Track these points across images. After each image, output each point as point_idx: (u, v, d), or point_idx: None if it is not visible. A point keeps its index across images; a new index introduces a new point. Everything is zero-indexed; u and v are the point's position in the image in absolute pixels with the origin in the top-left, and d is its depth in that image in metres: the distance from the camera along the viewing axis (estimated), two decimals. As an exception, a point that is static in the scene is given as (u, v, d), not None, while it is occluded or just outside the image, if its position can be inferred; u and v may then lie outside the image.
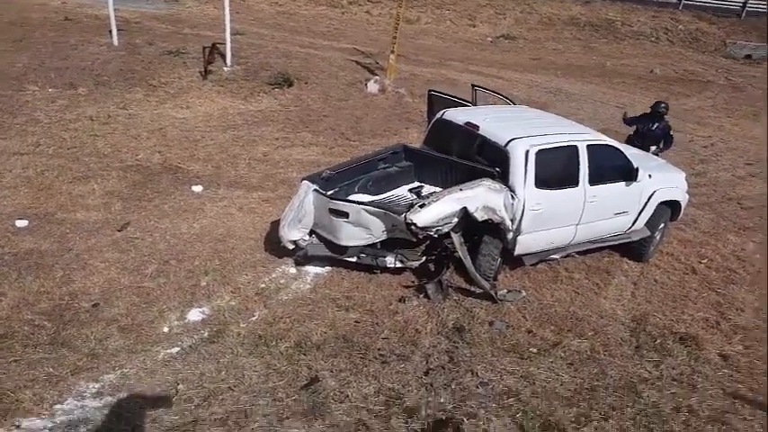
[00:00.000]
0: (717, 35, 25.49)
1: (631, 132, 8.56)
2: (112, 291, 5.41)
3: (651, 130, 8.36)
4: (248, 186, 8.20)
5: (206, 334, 4.79)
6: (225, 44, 12.80)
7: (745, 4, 27.48)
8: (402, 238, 5.71)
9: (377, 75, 13.69)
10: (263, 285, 5.80)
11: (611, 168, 6.41)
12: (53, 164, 8.10)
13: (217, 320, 5.04)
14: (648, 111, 8.55)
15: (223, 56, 12.98)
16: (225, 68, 12.79)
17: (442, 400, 3.49)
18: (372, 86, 12.99)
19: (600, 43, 23.79)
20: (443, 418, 3.19)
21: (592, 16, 25.54)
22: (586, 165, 6.15)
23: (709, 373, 4.60)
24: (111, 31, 13.43)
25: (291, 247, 6.03)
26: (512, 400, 3.57)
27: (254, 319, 5.15)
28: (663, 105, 8.37)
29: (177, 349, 4.53)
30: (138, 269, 5.83)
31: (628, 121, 8.72)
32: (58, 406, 3.74)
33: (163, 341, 4.65)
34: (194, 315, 5.13)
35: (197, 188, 7.92)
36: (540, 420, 3.22)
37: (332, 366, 4.16)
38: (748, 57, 24.51)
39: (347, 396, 3.54)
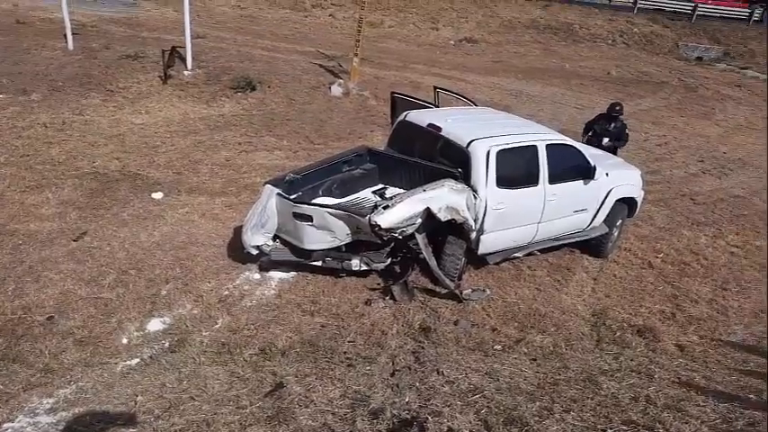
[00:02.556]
0: (670, 38, 26.47)
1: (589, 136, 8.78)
2: (68, 303, 5.23)
3: (608, 131, 8.60)
4: (210, 192, 8.07)
5: (167, 344, 4.68)
6: (185, 48, 12.58)
7: (695, 7, 28.63)
8: (367, 240, 5.71)
9: (341, 78, 13.68)
10: (226, 292, 5.71)
11: (569, 167, 6.56)
12: (4, 173, 7.81)
13: (178, 330, 4.94)
14: (605, 112, 8.79)
15: (184, 60, 12.76)
16: (185, 72, 12.57)
17: (407, 400, 3.50)
18: (336, 90, 12.97)
19: (559, 46, 24.37)
20: (408, 417, 3.20)
21: (551, 20, 26.16)
22: (546, 164, 6.28)
23: (665, 363, 4.75)
24: (65, 35, 13.05)
25: (255, 252, 5.95)
26: (476, 396, 3.61)
27: (217, 326, 5.06)
28: (618, 107, 8.63)
29: (137, 361, 4.41)
30: (96, 280, 5.66)
31: (586, 127, 8.92)
32: (8, 425, 3.59)
33: (122, 353, 4.52)
34: (155, 325, 5.01)
35: (157, 195, 7.74)
36: (503, 416, 3.26)
37: (297, 372, 4.12)
38: (699, 59, 25.54)
39: (312, 401, 3.51)
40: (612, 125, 8.58)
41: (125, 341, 4.71)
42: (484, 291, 6.20)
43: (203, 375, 3.99)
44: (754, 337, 5.86)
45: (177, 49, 12.62)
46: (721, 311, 6.38)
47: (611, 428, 3.10)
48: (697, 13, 28.35)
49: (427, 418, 3.09)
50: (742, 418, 3.29)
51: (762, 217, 9.40)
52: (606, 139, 8.54)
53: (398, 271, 6.27)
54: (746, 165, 12.09)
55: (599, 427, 3.13)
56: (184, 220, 7.17)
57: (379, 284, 6.15)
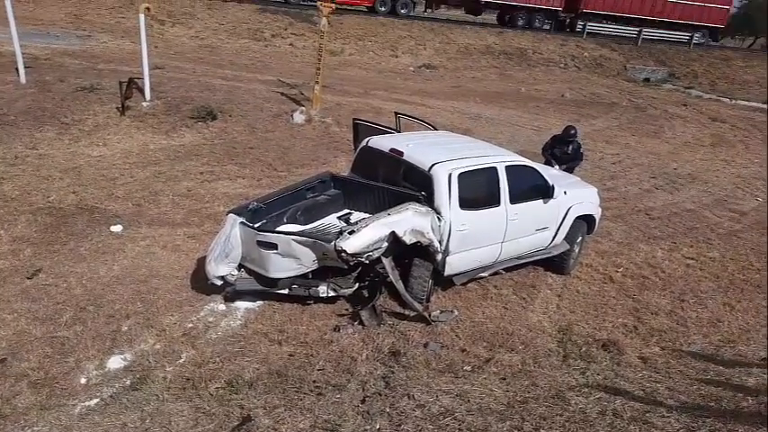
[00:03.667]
0: (618, 60, 27.71)
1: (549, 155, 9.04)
2: (22, 344, 5.00)
3: (567, 153, 8.90)
4: (172, 223, 7.91)
5: (128, 382, 4.52)
6: (143, 78, 12.44)
7: (640, 32, 30.14)
8: (333, 266, 5.69)
9: (303, 105, 13.74)
10: (190, 325, 5.57)
11: (529, 187, 6.73)
12: (-48, 211, 7.49)
13: (140, 366, 4.77)
14: (559, 134, 9.10)
15: (142, 91, 12.59)
16: (144, 103, 12.39)
17: (378, 427, 3.46)
18: (298, 117, 13.01)
19: (514, 70, 25.16)
20: (380, 444, 3.17)
21: (505, 45, 27.04)
22: (506, 185, 6.42)
23: (630, 376, 4.85)
24: (17, 69, 12.71)
25: (219, 283, 5.85)
26: (448, 419, 3.60)
27: (181, 361, 4.92)
28: (573, 131, 8.97)
29: (96, 401, 4.23)
30: (52, 318, 5.44)
31: (545, 150, 9.19)
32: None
33: (80, 393, 4.33)
34: (115, 363, 4.83)
35: (116, 228, 7.55)
36: (474, 437, 3.26)
37: (265, 403, 4.03)
38: (647, 80, 26.81)
39: (281, 433, 3.44)
40: (570, 147, 8.90)
41: (84, 381, 4.52)
42: (452, 312, 6.24)
43: (167, 412, 3.86)
44: (712, 346, 6.06)
45: (135, 80, 12.45)
46: (680, 322, 6.58)
47: (580, 443, 3.14)
48: (642, 36, 29.82)
49: (399, 444, 3.07)
50: (704, 427, 3.38)
51: (713, 229, 9.82)
52: (564, 166, 8.82)
53: (366, 295, 6.25)
54: (696, 180, 12.64)
55: (569, 442, 3.16)
56: (145, 253, 7.00)
57: (347, 310, 6.11)
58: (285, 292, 5.88)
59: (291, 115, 13.09)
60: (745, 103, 23.06)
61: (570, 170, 8.87)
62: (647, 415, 3.63)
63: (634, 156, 14.11)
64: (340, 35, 24.62)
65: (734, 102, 23.14)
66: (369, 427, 3.47)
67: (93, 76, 13.70)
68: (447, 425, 3.49)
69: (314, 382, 4.57)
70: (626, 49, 28.81)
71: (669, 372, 5.08)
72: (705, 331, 6.39)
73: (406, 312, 6.03)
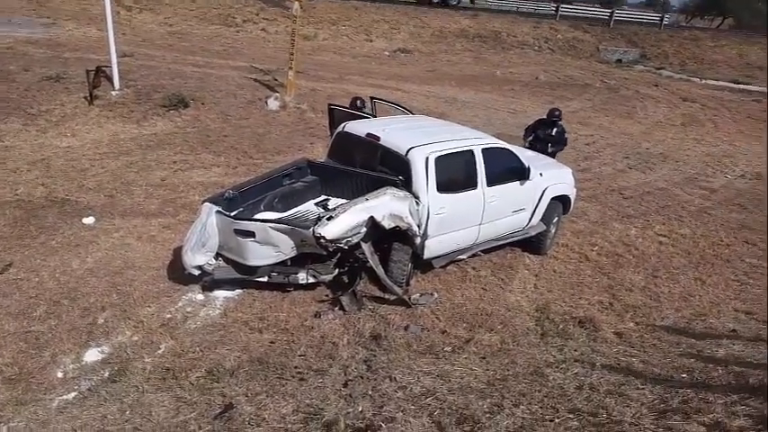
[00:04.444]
0: (591, 42, 27.93)
1: (530, 140, 9.06)
2: (-5, 340, 4.89)
3: (551, 135, 8.95)
4: (146, 214, 7.78)
5: (107, 374, 4.46)
6: (111, 67, 12.10)
7: (612, 13, 30.41)
8: (313, 252, 5.67)
9: (277, 92, 13.56)
10: (168, 316, 5.51)
11: (505, 169, 6.77)
12: None
13: (118, 358, 4.71)
14: (544, 117, 9.15)
15: (110, 79, 12.26)
16: (113, 92, 12.07)
17: (360, 409, 3.48)
18: (273, 103, 12.84)
19: (489, 53, 25.20)
20: (362, 426, 3.19)
21: (479, 28, 27.02)
22: (483, 167, 6.45)
23: (605, 351, 4.96)
24: (-23, 58, 12.28)
25: (197, 272, 5.79)
26: (429, 399, 3.64)
27: (160, 352, 4.87)
28: (557, 112, 9.04)
29: (74, 394, 4.17)
30: (25, 313, 5.32)
31: (528, 131, 9.22)
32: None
33: (57, 387, 4.26)
34: (92, 355, 4.76)
35: (88, 220, 7.39)
36: (456, 415, 3.30)
37: (247, 391, 4.02)
38: (619, 61, 27.10)
39: (264, 419, 3.43)
40: (554, 130, 8.95)
41: (60, 375, 4.45)
42: (432, 294, 6.29)
43: (147, 403, 3.83)
44: (684, 320, 6.22)
45: (103, 68, 12.12)
46: (654, 298, 6.73)
47: (558, 418, 3.20)
48: (614, 18, 30.10)
49: (381, 426, 3.09)
50: (677, 397, 3.48)
51: (684, 206, 10.04)
52: (550, 145, 8.88)
53: (346, 281, 6.26)
54: (667, 159, 12.89)
55: (546, 417, 3.22)
56: (119, 245, 6.87)
57: (327, 296, 6.11)
58: (264, 279, 5.85)
59: (266, 102, 12.92)
60: (714, 82, 23.50)
61: (553, 155, 8.92)
62: (623, 387, 3.73)
63: (608, 136, 14.30)
64: (313, 20, 24.32)
65: (703, 81, 23.58)
66: (351, 409, 3.49)
67: (58, 65, 13.27)
68: (428, 405, 3.52)
69: (295, 368, 4.57)
70: (598, 30, 29.06)
71: (643, 346, 5.21)
72: (677, 306, 6.56)
73: (387, 296, 6.06)
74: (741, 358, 4.57)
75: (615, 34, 29.02)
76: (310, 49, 21.51)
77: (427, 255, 6.33)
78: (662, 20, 31.24)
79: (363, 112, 8.04)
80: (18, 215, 7.31)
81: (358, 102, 8.62)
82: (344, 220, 5.32)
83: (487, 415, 3.25)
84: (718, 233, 8.92)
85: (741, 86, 22.67)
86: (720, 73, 25.53)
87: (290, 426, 3.34)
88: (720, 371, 4.11)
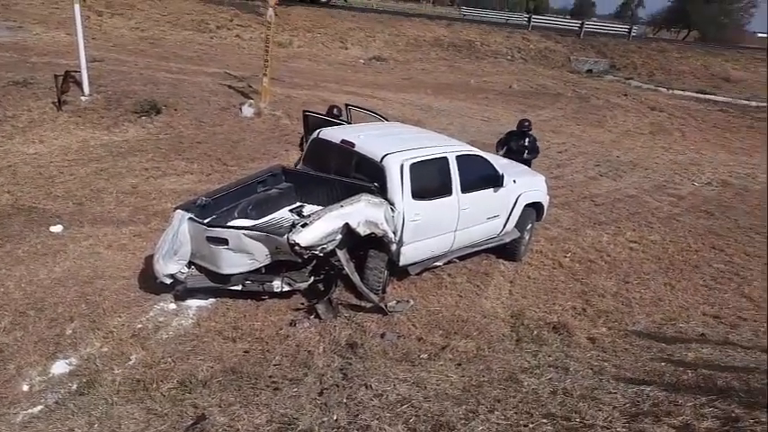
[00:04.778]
0: (562, 52, 28.50)
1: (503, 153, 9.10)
2: (-44, 352, 4.71)
3: (524, 146, 9.01)
4: (117, 222, 7.62)
5: (74, 386, 4.33)
6: (80, 72, 11.86)
7: (582, 24, 31.12)
8: (287, 260, 5.61)
9: (251, 98, 13.46)
10: (139, 326, 5.38)
11: (479, 176, 6.83)
12: None
13: (87, 370, 4.58)
14: (514, 129, 9.23)
15: (79, 84, 12.00)
16: (82, 98, 11.82)
17: (335, 418, 3.45)
18: (247, 110, 12.75)
19: (463, 62, 25.49)
20: (337, 435, 3.16)
21: (454, 38, 27.35)
22: (457, 174, 6.50)
23: (579, 356, 5.02)
24: (-61, 61, 11.90)
25: (169, 281, 5.67)
26: (405, 407, 3.62)
27: (130, 363, 4.75)
28: (527, 123, 9.11)
29: (40, 408, 4.03)
30: (-11, 324, 5.14)
31: (500, 144, 9.26)
32: None
33: (22, 401, 4.12)
34: (60, 367, 4.62)
35: (56, 228, 7.21)
36: (431, 422, 3.30)
37: (220, 401, 3.94)
38: (590, 71, 27.71)
39: (237, 430, 3.37)
40: (526, 140, 9.02)
41: (26, 388, 4.30)
42: (408, 302, 6.28)
43: (116, 416, 3.72)
44: (655, 325, 6.35)
45: (72, 73, 11.86)
46: (626, 303, 6.85)
47: (532, 423, 3.22)
48: (584, 29, 30.80)
49: (355, 433, 3.07)
50: (648, 400, 3.54)
51: (654, 213, 10.28)
52: (527, 152, 8.94)
53: (322, 289, 6.21)
54: (637, 166, 13.20)
55: (521, 423, 3.24)
56: (89, 253, 6.71)
57: (302, 304, 6.05)
58: (239, 288, 5.77)
59: (240, 108, 12.81)
60: (681, 92, 24.20)
61: (529, 163, 8.99)
62: (596, 392, 3.77)
63: (579, 144, 14.58)
64: (288, 27, 24.27)
65: (671, 91, 24.25)
66: (326, 418, 3.46)
67: (26, 70, 12.94)
68: (404, 412, 3.51)
69: (270, 377, 4.51)
70: (569, 41, 29.68)
71: (615, 350, 5.30)
72: (648, 310, 6.69)
73: (363, 304, 6.03)
74: (710, 361, 4.68)
75: (585, 45, 29.69)
76: (285, 56, 21.44)
77: (403, 261, 6.33)
78: (630, 31, 32.09)
79: (339, 120, 8.03)
80: (-19, 223, 7.08)
81: (335, 110, 8.62)
82: (319, 227, 5.29)
83: (462, 421, 3.25)
84: (687, 239, 9.14)
85: (707, 96, 23.38)
86: (686, 83, 26.31)
87: (264, 436, 3.29)
88: (690, 374, 4.20)
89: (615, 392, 3.75)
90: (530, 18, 31.43)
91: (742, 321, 6.38)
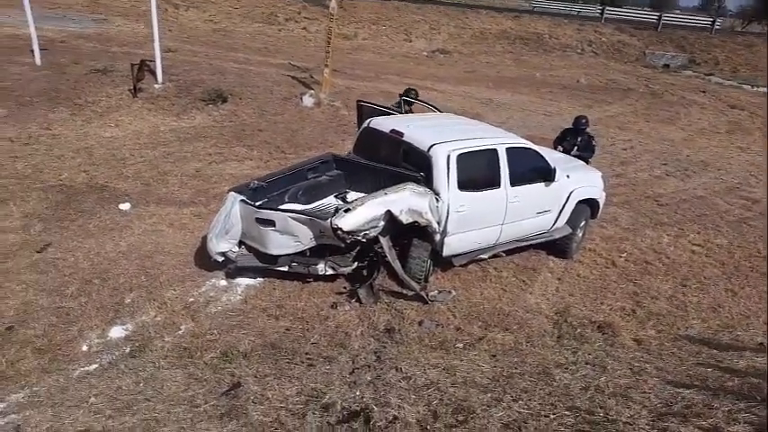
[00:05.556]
0: (637, 46, 27.18)
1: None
2: (29, 313, 5.20)
3: (576, 144, 8.66)
4: (179, 202, 8.07)
5: (128, 350, 4.68)
6: (155, 61, 12.58)
7: (660, 17, 29.51)
8: (332, 244, 5.77)
9: (312, 89, 13.79)
10: (191, 299, 5.72)
11: (530, 170, 6.70)
12: (-33, 187, 7.73)
13: (140, 336, 4.93)
14: (571, 126, 8.89)
15: (154, 73, 12.74)
16: (156, 86, 12.55)
17: (358, 393, 3.56)
18: (308, 100, 13.07)
19: (530, 55, 24.86)
20: (357, 409, 3.25)
21: (521, 30, 26.69)
22: (507, 167, 6.40)
23: (620, 356, 4.86)
24: (32, 51, 12.95)
25: (220, 259, 5.97)
26: (431, 390, 3.68)
27: (180, 332, 5.07)
28: (584, 120, 8.70)
29: (95, 366, 4.40)
30: (58, 290, 5.63)
31: (556, 141, 8.99)
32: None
33: (80, 359, 4.51)
34: (116, 332, 5.00)
35: (124, 206, 7.73)
36: (453, 406, 3.34)
37: (257, 372, 4.15)
38: (666, 66, 26.27)
39: (267, 398, 3.55)
40: (579, 138, 8.63)
41: (85, 348, 4.70)
42: (450, 292, 6.29)
43: (161, 378, 4.01)
44: (710, 331, 6.03)
45: (147, 62, 12.60)
46: (680, 307, 6.54)
47: (554, 414, 3.19)
48: (662, 21, 29.20)
49: (373, 408, 3.15)
50: (682, 402, 3.40)
51: (723, 216, 9.70)
52: (575, 150, 8.57)
53: (365, 274, 6.33)
54: (708, 167, 12.46)
55: (542, 413, 3.22)
56: (152, 230, 7.16)
57: (345, 288, 6.20)
58: (285, 269, 5.98)
59: (301, 98, 13.15)
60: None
61: (586, 161, 8.65)
62: (629, 391, 3.67)
63: (647, 142, 13.92)
64: (353, 19, 24.57)
65: (755, 89, 22.61)
66: (353, 395, 3.57)
67: (106, 59, 13.89)
68: (429, 395, 3.57)
69: (306, 354, 4.68)
70: (645, 34, 28.25)
71: (661, 353, 5.09)
72: (704, 316, 6.36)
73: (404, 292, 6.09)
74: (761, 370, 4.42)
75: (663, 38, 28.15)
76: (350, 48, 21.75)
77: (447, 252, 6.33)
78: (713, 24, 30.11)
79: (393, 110, 8.10)
80: (60, 199, 7.71)
81: (411, 93, 8.83)
82: (362, 213, 5.40)
83: (484, 407, 3.27)
84: (757, 245, 8.56)
85: (796, 95, 21.61)
86: (774, 80, 24.40)
87: (290, 406, 3.44)
88: (736, 381, 3.99)
89: (649, 393, 3.63)
90: (603, 10, 30.14)
91: (808, 333, 5.94)
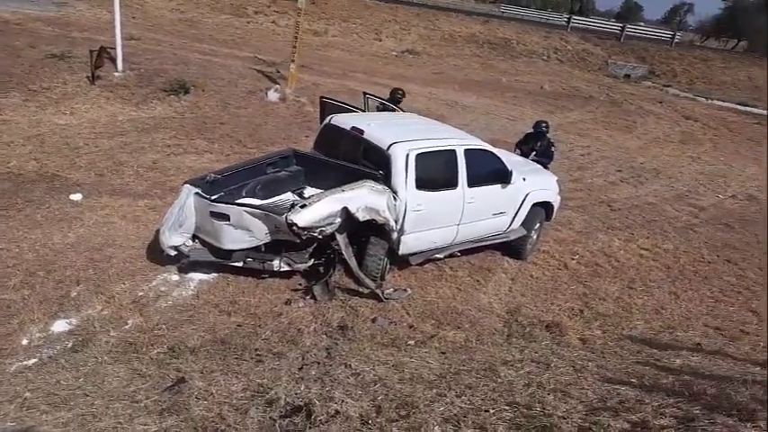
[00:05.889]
0: (600, 56, 27.93)
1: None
2: (-34, 305, 5.00)
3: (535, 149, 8.83)
4: (134, 194, 7.89)
5: (70, 344, 4.55)
6: (115, 48, 12.24)
7: (623, 28, 30.40)
8: (288, 240, 5.74)
9: (278, 84, 13.67)
10: (140, 294, 5.60)
11: (487, 171, 6.82)
12: None
13: (84, 330, 4.80)
14: (531, 131, 9.06)
15: (114, 61, 12.40)
16: (115, 74, 12.22)
17: (303, 389, 3.56)
18: (273, 95, 12.96)
19: (497, 60, 25.25)
20: (301, 404, 3.26)
21: (490, 35, 27.07)
22: (464, 168, 6.50)
23: (565, 354, 5.01)
24: (-16, 32, 12.45)
25: (173, 253, 5.87)
26: (377, 386, 3.71)
27: (126, 327, 4.96)
28: (543, 125, 8.89)
29: (34, 360, 4.26)
30: (0, 281, 5.42)
31: (517, 145, 9.13)
32: None
33: (19, 353, 4.36)
34: (59, 326, 4.85)
35: (76, 197, 7.50)
36: (398, 401, 3.38)
37: (203, 368, 4.10)
38: (627, 76, 27.08)
39: (211, 394, 3.51)
40: (539, 143, 8.79)
41: (25, 342, 4.54)
42: (405, 290, 6.35)
43: (102, 373, 3.92)
44: (652, 331, 6.28)
45: (107, 49, 12.25)
46: (626, 308, 6.78)
47: (493, 408, 3.27)
48: (625, 32, 30.09)
49: (315, 403, 3.17)
50: (617, 397, 3.54)
51: (671, 222, 10.07)
52: (534, 154, 8.72)
53: (322, 271, 6.32)
54: (660, 174, 12.92)
55: (483, 408, 3.29)
56: (103, 222, 6.97)
57: (301, 285, 6.17)
58: (240, 264, 5.92)
59: (266, 93, 13.03)
60: (721, 103, 23.47)
61: (545, 165, 8.82)
62: (569, 387, 3.79)
63: (604, 149, 14.34)
64: (324, 15, 24.45)
65: (710, 101, 23.54)
66: (300, 390, 3.57)
67: (65, 44, 13.44)
68: (375, 391, 3.60)
69: (256, 350, 4.65)
70: (609, 44, 29.06)
71: (604, 352, 5.27)
72: (648, 317, 6.61)
73: (361, 289, 6.11)
74: (695, 369, 4.63)
75: (626, 49, 29.01)
76: (319, 44, 21.63)
77: (403, 251, 6.39)
78: (673, 38, 31.20)
79: (356, 108, 8.10)
80: (6, 187, 7.43)
81: (398, 94, 8.89)
82: (318, 209, 5.39)
83: (427, 402, 3.32)
84: (701, 250, 8.95)
85: (746, 108, 22.63)
86: (728, 94, 25.48)
87: (235, 401, 3.42)
88: (670, 378, 4.16)
89: (588, 389, 3.76)
90: (569, 19, 30.86)
91: (743, 335, 6.25)
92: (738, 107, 22.88)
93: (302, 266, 6.04)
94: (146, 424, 3.06)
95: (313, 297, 5.90)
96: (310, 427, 2.94)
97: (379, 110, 8.50)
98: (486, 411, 3.20)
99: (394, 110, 8.39)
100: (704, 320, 6.63)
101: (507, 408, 3.28)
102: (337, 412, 3.08)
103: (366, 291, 6.05)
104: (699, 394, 3.49)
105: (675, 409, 3.20)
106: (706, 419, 2.97)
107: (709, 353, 5.32)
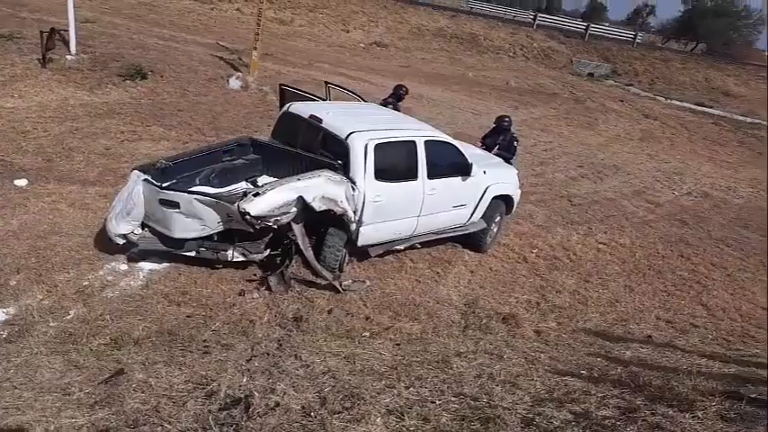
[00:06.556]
0: (565, 54, 28.37)
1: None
2: None
3: (498, 143, 8.82)
4: (83, 181, 7.58)
5: (5, 334, 4.31)
6: (68, 30, 11.73)
7: (587, 27, 30.95)
8: (241, 229, 5.58)
9: (240, 72, 13.37)
10: (85, 283, 5.36)
11: (447, 163, 6.79)
12: None
13: (22, 320, 4.56)
14: (494, 125, 9.06)
15: (67, 43, 11.88)
16: (68, 57, 11.70)
17: (245, 381, 3.45)
18: (234, 83, 12.66)
19: (464, 55, 25.37)
20: (241, 395, 3.15)
21: (457, 30, 27.17)
22: (425, 159, 6.45)
23: (519, 346, 5.03)
24: (-76, 9, 11.75)
25: (121, 241, 5.64)
26: (326, 378, 3.63)
27: (68, 317, 4.73)
28: (506, 119, 8.88)
29: (-37, 351, 4.03)
30: (-67, 269, 5.12)
31: (482, 139, 9.11)
32: None
33: (-54, 345, 4.11)
34: (-5, 316, 4.60)
35: (20, 182, 7.16)
36: (345, 393, 3.30)
37: (146, 360, 3.94)
38: (590, 74, 27.60)
39: (150, 386, 3.36)
40: (502, 137, 8.76)
41: (-45, 333, 4.29)
42: (364, 282, 6.28)
43: (35, 364, 3.71)
44: (606, 324, 6.38)
45: (60, 31, 11.72)
46: (581, 301, 6.87)
47: (440, 399, 3.23)
48: (589, 32, 30.65)
49: (255, 395, 3.07)
50: (564, 388, 3.55)
51: (628, 217, 10.29)
52: (497, 147, 8.67)
53: (279, 262, 6.19)
54: (619, 171, 13.20)
55: (430, 399, 3.25)
56: (49, 209, 6.66)
57: (256, 275, 6.03)
58: (192, 254, 5.74)
59: (227, 80, 12.72)
60: (679, 103, 24.18)
61: (507, 159, 8.80)
62: (518, 378, 3.79)
63: (566, 145, 14.55)
64: (291, 4, 24.09)
65: (669, 101, 24.22)
66: (243, 382, 3.45)
67: (14, 24, 12.84)
68: (323, 383, 3.52)
69: (204, 341, 4.50)
70: (574, 42, 29.55)
71: (557, 344, 5.31)
72: (602, 310, 6.71)
73: (318, 281, 6.01)
74: (644, 360, 4.70)
75: (590, 48, 29.56)
76: (285, 33, 21.28)
77: (362, 242, 6.31)
78: (635, 38, 31.95)
79: (317, 97, 7.96)
80: (-56, 171, 7.03)
81: (401, 90, 8.75)
82: (271, 198, 5.25)
83: (374, 394, 3.26)
84: (656, 245, 9.16)
85: (703, 109, 23.36)
86: (686, 94, 26.26)
87: (174, 393, 3.28)
88: (619, 370, 4.22)
89: (537, 380, 3.77)
90: (535, 16, 31.23)
91: (693, 328, 6.42)
92: (695, 107, 23.59)
93: (258, 257, 5.90)
94: (74, 417, 2.89)
95: (268, 288, 5.77)
96: (247, 420, 2.83)
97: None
98: (432, 402, 3.16)
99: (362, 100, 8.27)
100: (656, 313, 6.77)
101: (454, 399, 3.24)
102: (277, 404, 2.98)
103: (324, 282, 5.95)
104: (644, 385, 3.53)
105: (619, 400, 3.23)
106: (647, 410, 3.00)
107: (659, 345, 5.42)
